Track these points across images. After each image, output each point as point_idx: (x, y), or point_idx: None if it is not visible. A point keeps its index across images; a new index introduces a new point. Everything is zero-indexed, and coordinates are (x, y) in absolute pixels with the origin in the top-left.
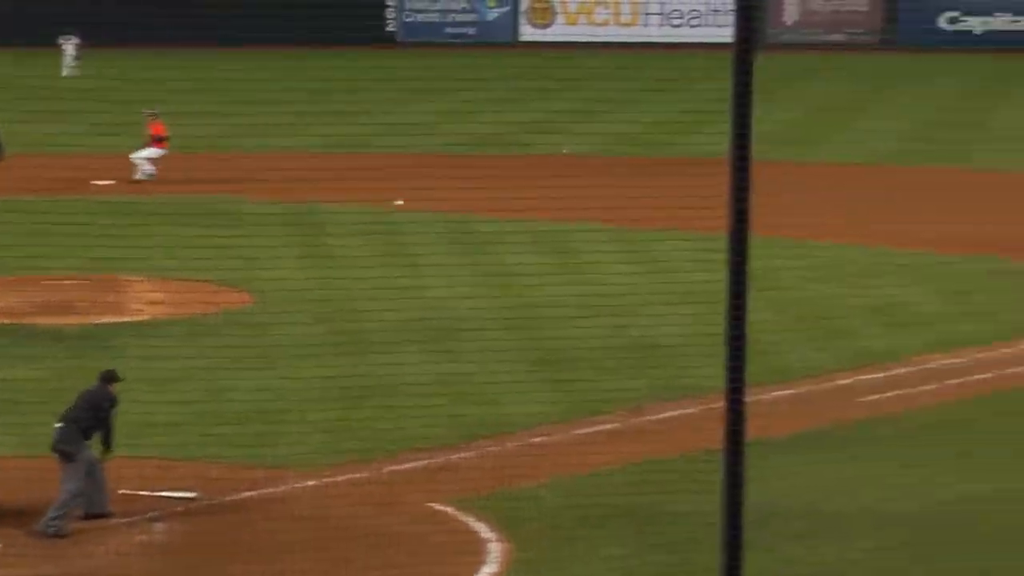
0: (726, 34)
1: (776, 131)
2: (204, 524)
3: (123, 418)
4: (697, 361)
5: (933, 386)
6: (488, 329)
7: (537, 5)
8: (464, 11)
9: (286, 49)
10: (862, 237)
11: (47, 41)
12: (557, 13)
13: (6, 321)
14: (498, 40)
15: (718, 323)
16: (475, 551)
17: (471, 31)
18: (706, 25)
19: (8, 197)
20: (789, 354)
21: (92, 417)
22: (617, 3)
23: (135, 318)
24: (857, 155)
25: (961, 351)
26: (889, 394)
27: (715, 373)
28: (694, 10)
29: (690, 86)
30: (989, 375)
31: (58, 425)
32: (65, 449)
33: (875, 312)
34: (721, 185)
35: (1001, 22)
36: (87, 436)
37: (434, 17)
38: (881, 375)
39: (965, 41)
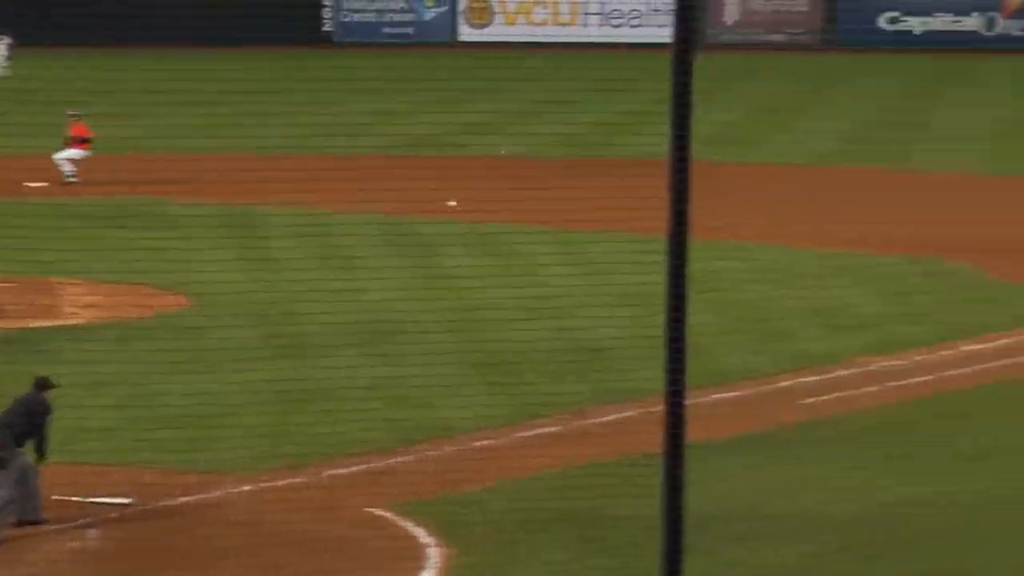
0: (666, 34)
1: (716, 132)
2: (138, 530)
3: (57, 423)
4: (638, 364)
5: (873, 388)
6: (428, 332)
7: (475, 5)
8: (402, 11)
9: (221, 50)
10: (802, 238)
11: None
12: (495, 13)
13: None
14: (436, 40)
15: (658, 326)
16: (414, 556)
17: (409, 31)
18: (646, 25)
19: None
20: (729, 356)
21: (26, 423)
22: (556, 3)
23: (68, 322)
24: (797, 156)
25: (901, 353)
26: (829, 396)
27: (655, 376)
28: (634, 10)
29: (630, 87)
30: (929, 377)
31: None
32: None
33: (815, 314)
34: (660, 187)
35: (940, 22)
36: (20, 443)
37: (371, 17)
38: (821, 377)
39: (905, 41)
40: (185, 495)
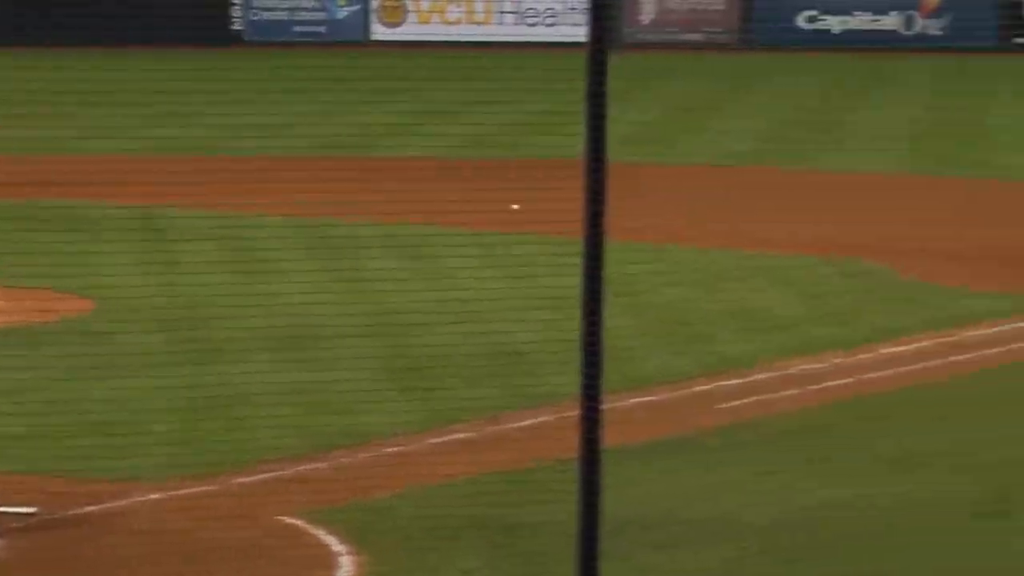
0: (581, 33)
1: (633, 132)
2: (42, 540)
3: None
4: (554, 368)
5: (793, 391)
6: (342, 336)
7: (388, 3)
8: (313, 9)
9: (124, 49)
10: (720, 239)
11: None
12: (409, 12)
13: None
14: (349, 39)
15: (575, 329)
16: (326, 565)
17: (321, 29)
18: (562, 24)
19: None
20: (647, 360)
21: None
22: (471, 1)
23: None
24: (715, 156)
25: (821, 355)
26: (748, 400)
27: (572, 380)
28: (549, 8)
29: (546, 86)
30: (849, 380)
31: None
32: None
33: (733, 316)
34: (577, 188)
35: (859, 21)
36: None
37: (282, 15)
38: (740, 381)
39: (823, 40)
40: (92, 504)
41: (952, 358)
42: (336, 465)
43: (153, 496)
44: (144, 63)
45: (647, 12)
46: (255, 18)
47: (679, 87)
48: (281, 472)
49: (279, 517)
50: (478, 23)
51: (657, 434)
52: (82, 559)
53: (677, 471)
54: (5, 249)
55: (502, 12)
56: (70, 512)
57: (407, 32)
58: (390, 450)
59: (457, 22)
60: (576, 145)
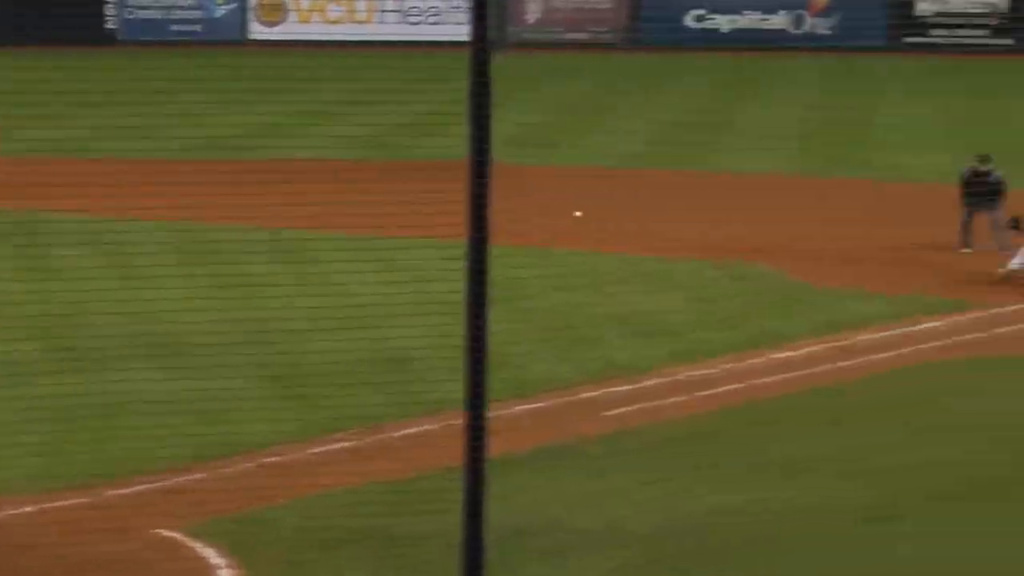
0: (465, 32)
1: (519, 133)
2: None
3: None
4: (440, 375)
5: (681, 398)
6: (221, 344)
7: (267, 2)
8: (190, 7)
9: None
10: (607, 243)
11: None
12: (289, 10)
13: None
14: (226, 38)
15: (460, 335)
16: None
17: (197, 28)
18: (445, 23)
19: None
20: (533, 366)
21: None
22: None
23: None
24: (602, 157)
25: (709, 361)
26: (636, 406)
27: (458, 388)
28: (433, 7)
29: (430, 87)
30: (739, 385)
31: None
32: None
33: (621, 321)
34: (462, 190)
35: (748, 20)
36: None
37: (157, 14)
38: (627, 387)
39: (712, 39)
40: None
41: (841, 363)
42: (215, 476)
43: (25, 509)
44: (14, 62)
45: (533, 11)
46: (130, 17)
47: (566, 88)
48: (158, 483)
49: (156, 530)
50: (360, 22)
51: (543, 441)
52: None
53: (563, 479)
54: None
55: (384, 11)
56: None
57: (287, 31)
58: (271, 460)
59: (338, 21)
60: (461, 146)
